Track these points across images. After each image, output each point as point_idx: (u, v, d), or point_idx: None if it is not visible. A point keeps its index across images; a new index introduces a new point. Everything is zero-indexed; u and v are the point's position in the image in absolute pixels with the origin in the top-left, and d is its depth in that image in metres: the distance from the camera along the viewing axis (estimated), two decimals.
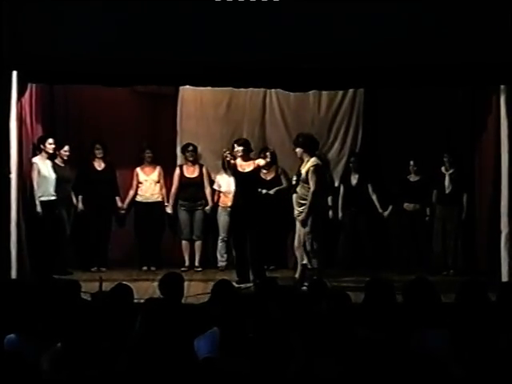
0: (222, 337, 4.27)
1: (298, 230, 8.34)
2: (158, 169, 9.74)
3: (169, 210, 9.72)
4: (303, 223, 8.19)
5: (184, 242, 9.71)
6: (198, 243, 9.71)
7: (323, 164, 8.57)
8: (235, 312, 4.54)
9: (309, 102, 9.88)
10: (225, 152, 8.77)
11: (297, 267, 8.45)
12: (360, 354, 3.96)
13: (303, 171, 8.19)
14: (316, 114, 9.94)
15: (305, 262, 8.34)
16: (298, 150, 8.30)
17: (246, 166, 8.64)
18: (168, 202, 9.71)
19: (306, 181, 8.13)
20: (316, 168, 8.13)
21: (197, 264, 9.65)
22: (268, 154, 9.26)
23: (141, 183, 9.71)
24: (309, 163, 8.17)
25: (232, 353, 4.14)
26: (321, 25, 7.51)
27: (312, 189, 8.10)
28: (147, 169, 9.74)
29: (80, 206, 9.43)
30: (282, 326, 4.52)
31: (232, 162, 8.61)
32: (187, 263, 9.63)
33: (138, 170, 9.72)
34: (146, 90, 9.54)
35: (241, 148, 8.64)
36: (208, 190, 9.69)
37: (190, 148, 9.65)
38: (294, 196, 8.31)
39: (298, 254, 8.40)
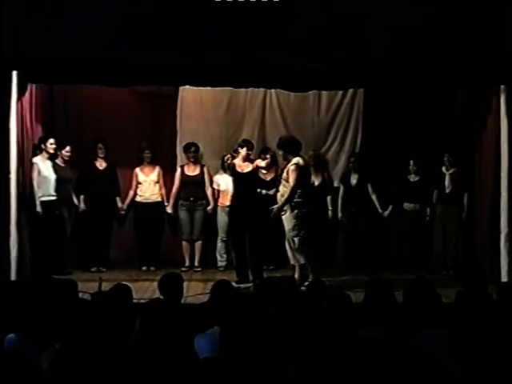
0: (222, 337, 4.27)
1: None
2: (157, 169, 9.74)
3: (169, 209, 9.72)
4: (275, 216, 8.26)
5: (184, 242, 9.72)
6: (197, 243, 9.70)
7: (307, 164, 8.55)
8: (235, 312, 4.54)
9: (309, 103, 9.90)
10: (225, 155, 8.81)
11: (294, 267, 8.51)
12: (360, 354, 3.95)
13: (285, 170, 8.29)
14: (316, 114, 9.95)
15: (292, 262, 8.37)
16: (281, 152, 8.42)
17: (244, 167, 8.65)
18: (168, 201, 9.71)
19: (287, 179, 8.21)
20: (296, 166, 8.19)
21: (196, 264, 9.65)
22: (268, 156, 9.22)
23: (140, 183, 9.70)
24: (290, 163, 8.25)
25: (232, 353, 4.14)
26: (321, 25, 7.50)
27: (291, 185, 8.15)
28: (146, 169, 9.73)
29: (82, 205, 9.44)
30: (282, 325, 4.52)
31: (231, 162, 8.63)
32: (187, 263, 9.63)
33: (138, 170, 9.71)
34: (146, 90, 9.55)
35: (250, 152, 8.69)
36: (209, 191, 9.69)
37: (193, 149, 9.64)
38: (278, 195, 8.37)
39: (288, 254, 8.42)
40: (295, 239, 8.28)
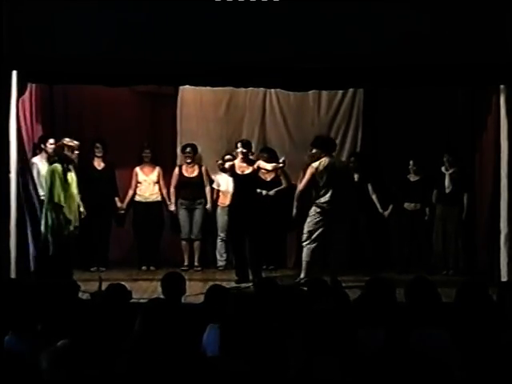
0: (222, 337, 4.26)
1: None
2: (157, 169, 9.73)
3: (172, 207, 9.70)
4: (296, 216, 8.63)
5: (183, 241, 9.72)
6: (196, 243, 9.71)
7: (333, 164, 8.52)
8: (233, 313, 4.52)
9: (309, 102, 9.90)
10: (217, 161, 8.79)
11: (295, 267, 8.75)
12: (360, 354, 3.95)
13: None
14: (316, 114, 9.96)
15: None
16: (315, 150, 8.47)
17: (244, 168, 8.64)
18: (170, 200, 9.70)
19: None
20: (311, 169, 8.37)
21: (196, 263, 9.66)
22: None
23: (140, 183, 9.70)
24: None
25: (232, 352, 4.13)
26: (321, 25, 7.51)
27: (299, 186, 8.56)
28: (147, 169, 9.73)
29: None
30: (282, 325, 4.52)
31: (226, 166, 8.62)
32: (186, 262, 9.64)
33: (138, 169, 9.71)
34: (145, 89, 9.55)
35: (245, 150, 8.65)
36: (208, 189, 9.69)
37: (188, 149, 9.64)
38: None
39: None
40: (303, 236, 8.47)
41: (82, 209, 8.63)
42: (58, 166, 8.01)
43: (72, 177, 8.17)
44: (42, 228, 7.94)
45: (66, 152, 8.07)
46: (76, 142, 8.20)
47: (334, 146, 8.73)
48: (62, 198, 7.95)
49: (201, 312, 5.26)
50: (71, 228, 8.05)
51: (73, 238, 8.20)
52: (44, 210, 7.99)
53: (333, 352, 4.03)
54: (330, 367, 3.97)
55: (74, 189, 8.21)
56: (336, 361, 3.97)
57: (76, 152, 8.18)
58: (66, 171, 8.04)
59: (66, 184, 8.01)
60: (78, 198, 8.37)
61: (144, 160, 9.72)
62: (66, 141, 8.15)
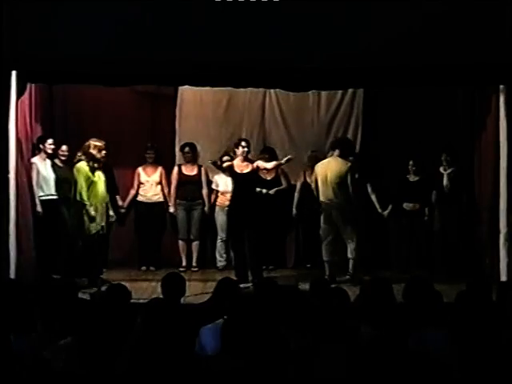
0: (223, 338, 4.26)
1: None
2: (159, 169, 9.71)
3: (171, 209, 9.70)
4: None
5: (181, 241, 9.71)
6: (194, 243, 9.70)
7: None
8: (238, 311, 4.52)
9: (308, 102, 9.90)
10: (210, 162, 8.73)
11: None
12: (360, 353, 3.95)
13: None
14: (315, 114, 9.95)
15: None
16: (337, 152, 8.70)
17: (244, 167, 8.62)
18: (170, 201, 9.69)
19: None
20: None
21: (194, 264, 9.65)
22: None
23: (142, 183, 9.69)
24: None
25: (232, 352, 4.13)
26: (320, 25, 7.51)
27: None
28: (149, 169, 9.72)
29: None
30: (281, 324, 4.52)
31: (225, 165, 8.60)
32: (184, 263, 9.64)
33: (140, 169, 9.70)
34: (145, 89, 9.55)
35: (247, 149, 8.64)
36: (205, 191, 9.68)
37: (186, 149, 9.63)
38: None
39: None
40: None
41: (111, 212, 8.62)
42: (83, 165, 8.18)
43: (99, 176, 8.30)
44: (69, 227, 8.12)
45: (92, 150, 8.18)
46: (102, 142, 8.30)
47: (346, 148, 8.93)
48: (85, 197, 8.08)
49: (200, 312, 5.27)
50: (98, 227, 8.14)
51: (100, 237, 8.30)
52: (71, 210, 8.21)
53: (333, 351, 4.04)
54: (330, 367, 3.97)
55: (102, 187, 8.30)
56: (336, 360, 3.97)
57: (103, 152, 8.30)
58: (93, 170, 8.19)
59: (92, 182, 8.14)
60: (107, 198, 8.49)
61: (147, 161, 9.71)
62: (93, 140, 8.28)
